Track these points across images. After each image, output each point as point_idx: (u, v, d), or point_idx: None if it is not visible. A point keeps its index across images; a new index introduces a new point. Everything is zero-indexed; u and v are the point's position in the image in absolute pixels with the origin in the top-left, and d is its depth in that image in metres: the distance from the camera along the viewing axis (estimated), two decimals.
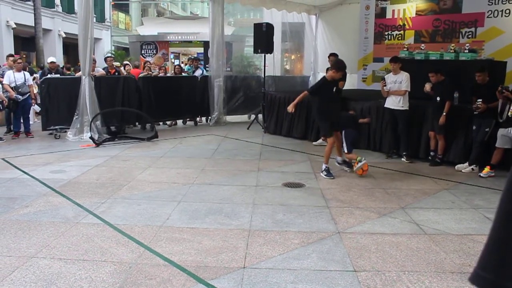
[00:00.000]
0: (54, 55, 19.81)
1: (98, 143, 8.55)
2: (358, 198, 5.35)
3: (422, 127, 7.63)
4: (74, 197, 5.21)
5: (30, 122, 10.20)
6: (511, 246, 0.90)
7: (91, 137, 8.68)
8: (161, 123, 11.52)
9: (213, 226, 4.33)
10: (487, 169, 6.50)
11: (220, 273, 3.33)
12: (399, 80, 7.30)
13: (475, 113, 6.71)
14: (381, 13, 12.12)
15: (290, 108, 6.46)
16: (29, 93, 9.62)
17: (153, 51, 25.34)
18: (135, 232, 4.14)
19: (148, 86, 10.64)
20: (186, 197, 5.27)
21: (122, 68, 11.69)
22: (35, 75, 11.61)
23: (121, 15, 33.72)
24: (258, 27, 10.98)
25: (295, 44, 15.88)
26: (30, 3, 19.23)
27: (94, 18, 10.61)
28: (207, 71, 12.93)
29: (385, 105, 7.62)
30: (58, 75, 10.66)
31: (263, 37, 10.76)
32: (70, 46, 24.22)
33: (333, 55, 8.73)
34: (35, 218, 4.49)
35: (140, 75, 11.32)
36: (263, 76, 11.71)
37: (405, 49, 9.32)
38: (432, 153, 7.31)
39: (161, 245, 3.83)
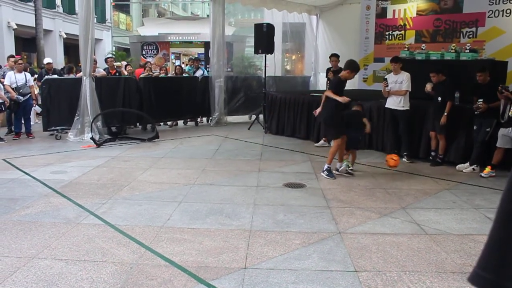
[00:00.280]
0: (55, 56, 19.89)
1: (99, 144, 8.56)
2: (359, 198, 5.35)
3: (423, 127, 7.62)
4: (75, 197, 5.21)
5: (31, 123, 10.21)
6: (511, 246, 0.90)
7: (92, 138, 8.68)
8: (162, 123, 11.53)
9: (214, 226, 4.33)
10: (488, 169, 6.49)
11: (221, 273, 3.33)
12: (400, 80, 7.29)
13: (476, 113, 6.70)
14: (381, 13, 12.13)
15: (345, 100, 6.30)
16: (30, 94, 9.63)
17: (153, 52, 25.34)
18: (136, 232, 4.14)
19: (149, 86, 10.65)
20: (187, 198, 5.27)
21: (123, 69, 11.69)
22: (35, 76, 11.62)
23: (122, 16, 33.72)
24: (258, 27, 10.99)
25: (295, 44, 15.88)
26: (31, 4, 19.25)
27: (95, 19, 10.62)
28: (208, 71, 12.93)
29: (386, 105, 7.61)
30: (55, 76, 10.65)
31: (264, 38, 10.76)
32: (71, 47, 24.24)
33: (334, 56, 8.74)
34: (36, 219, 4.49)
35: (141, 75, 11.33)
36: (263, 76, 11.71)
37: (406, 49, 9.32)
38: (433, 153, 7.30)
39: (162, 246, 3.83)
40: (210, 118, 12.08)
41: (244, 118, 12.77)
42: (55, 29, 22.91)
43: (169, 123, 11.81)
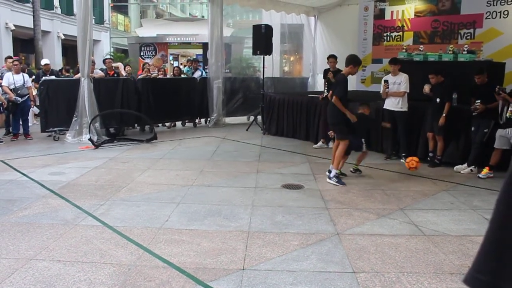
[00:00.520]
0: (53, 57, 19.84)
1: (97, 145, 8.55)
2: (357, 200, 5.36)
3: (421, 128, 7.63)
4: (73, 199, 5.20)
5: (29, 124, 10.19)
6: (507, 247, 0.91)
7: (90, 139, 8.67)
8: (160, 124, 11.53)
9: (212, 227, 4.33)
10: (486, 170, 6.50)
11: (219, 274, 3.33)
12: (398, 82, 7.31)
13: (473, 114, 6.72)
14: (380, 14, 12.16)
15: (353, 118, 6.21)
16: (28, 95, 9.62)
17: (152, 53, 25.31)
18: (134, 234, 4.13)
19: (147, 87, 10.64)
20: (185, 199, 5.27)
21: (121, 70, 11.68)
22: (33, 77, 11.60)
23: (120, 17, 33.70)
24: (257, 28, 10.99)
25: (294, 45, 15.91)
26: (29, 5, 19.21)
27: (93, 20, 10.62)
28: (206, 72, 12.93)
29: (384, 107, 7.63)
30: (53, 77, 10.64)
31: (262, 39, 10.76)
32: (69, 48, 24.17)
33: (332, 57, 8.73)
34: (34, 220, 4.48)
35: (139, 76, 11.32)
36: (262, 77, 11.71)
37: (404, 50, 9.34)
38: (431, 154, 7.31)
39: (160, 247, 3.83)
40: (208, 119, 12.08)
41: (242, 119, 12.77)
42: (53, 30, 22.87)
43: (167, 124, 11.81)
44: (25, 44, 22.09)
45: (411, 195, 5.55)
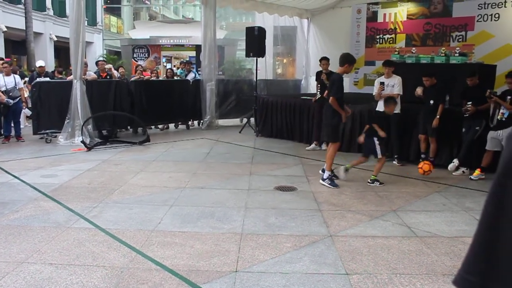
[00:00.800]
0: (45, 58, 19.74)
1: (89, 147, 8.51)
2: (350, 201, 5.37)
3: (413, 130, 7.66)
4: (65, 201, 5.17)
5: (21, 126, 10.12)
6: (496, 248, 0.91)
7: (82, 141, 8.62)
8: (153, 126, 11.51)
9: (205, 230, 4.32)
10: (477, 171, 6.55)
11: (212, 277, 3.32)
12: (392, 84, 7.33)
13: (465, 115, 6.77)
14: (372, 17, 12.22)
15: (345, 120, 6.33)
16: (19, 97, 9.55)
17: (145, 55, 25.27)
18: (126, 236, 4.12)
19: (140, 89, 10.62)
20: (178, 201, 5.26)
21: (114, 72, 11.64)
22: (25, 79, 11.54)
23: (113, 19, 33.63)
24: (250, 30, 11.01)
25: (287, 47, 15.92)
26: (21, 6, 19.12)
27: (86, 22, 10.57)
28: (199, 74, 12.92)
29: (377, 109, 7.64)
30: (47, 79, 10.58)
31: (255, 41, 10.78)
32: (61, 50, 24.08)
33: (324, 59, 8.74)
34: (25, 223, 4.45)
35: (132, 79, 11.28)
36: (255, 79, 11.72)
37: (396, 52, 9.39)
38: (423, 156, 7.35)
39: (153, 250, 3.82)
40: (202, 121, 12.07)
41: (236, 121, 12.77)
42: (46, 32, 22.79)
43: (160, 126, 11.79)
44: (17, 46, 21.98)
45: (404, 197, 5.58)
